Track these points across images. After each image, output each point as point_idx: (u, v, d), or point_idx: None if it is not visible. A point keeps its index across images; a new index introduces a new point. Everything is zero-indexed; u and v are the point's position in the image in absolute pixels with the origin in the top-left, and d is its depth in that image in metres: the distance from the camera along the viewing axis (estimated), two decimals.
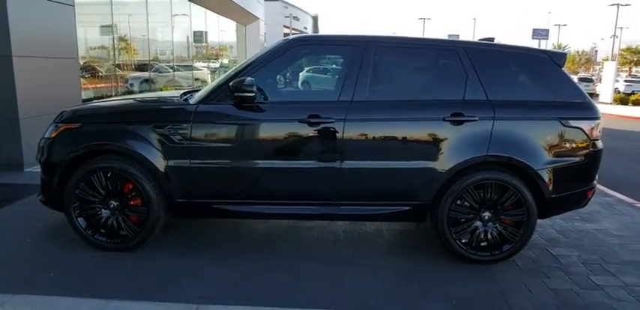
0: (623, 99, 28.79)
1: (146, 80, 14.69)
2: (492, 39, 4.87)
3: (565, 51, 4.64)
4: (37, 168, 7.21)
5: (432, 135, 4.19)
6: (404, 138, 4.20)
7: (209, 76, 21.05)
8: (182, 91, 5.10)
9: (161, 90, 14.49)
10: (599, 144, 4.38)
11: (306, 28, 65.89)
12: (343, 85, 4.29)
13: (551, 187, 4.19)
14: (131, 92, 13.14)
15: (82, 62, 10.31)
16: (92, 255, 4.29)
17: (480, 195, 4.21)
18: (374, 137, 4.21)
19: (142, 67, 14.68)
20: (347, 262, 4.32)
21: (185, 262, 4.22)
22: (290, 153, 4.27)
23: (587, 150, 4.29)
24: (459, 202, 4.22)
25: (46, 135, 4.47)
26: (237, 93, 4.07)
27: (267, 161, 4.24)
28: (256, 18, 27.34)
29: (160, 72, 16.05)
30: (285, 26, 54.56)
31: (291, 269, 4.13)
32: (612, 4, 37.36)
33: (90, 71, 11.45)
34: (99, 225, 4.33)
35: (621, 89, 33.92)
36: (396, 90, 4.49)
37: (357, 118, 4.18)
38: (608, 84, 30.57)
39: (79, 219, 4.32)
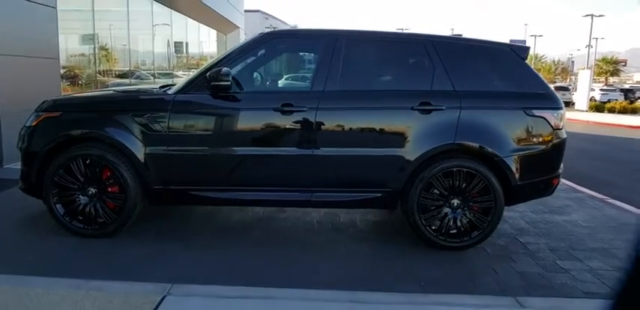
0: (598, 107, 29.44)
1: None
2: (460, 35, 5.05)
3: (528, 45, 4.80)
4: (17, 165, 7.27)
5: (401, 123, 4.34)
6: (374, 126, 4.35)
7: None
8: (160, 84, 5.21)
9: None
10: (563, 133, 4.54)
11: None
12: (315, 76, 4.43)
13: (517, 174, 4.34)
14: None
15: (63, 71, 10.33)
16: (70, 241, 4.35)
17: (448, 183, 4.34)
18: (345, 125, 4.35)
19: (122, 74, 14.77)
20: (320, 248, 4.44)
21: (160, 247, 4.31)
22: (264, 141, 4.38)
23: (550, 139, 4.45)
24: (428, 189, 4.35)
25: (27, 124, 4.55)
26: (213, 83, 4.19)
27: (242, 148, 4.35)
28: (236, 27, 27.54)
29: (141, 79, 16.10)
30: None
31: (265, 254, 4.23)
32: (586, 15, 38.22)
33: (71, 78, 11.50)
34: (77, 212, 4.40)
35: (597, 98, 34.56)
36: (366, 80, 4.63)
37: (329, 107, 4.31)
38: (583, 92, 31.08)
39: (57, 205, 4.39)
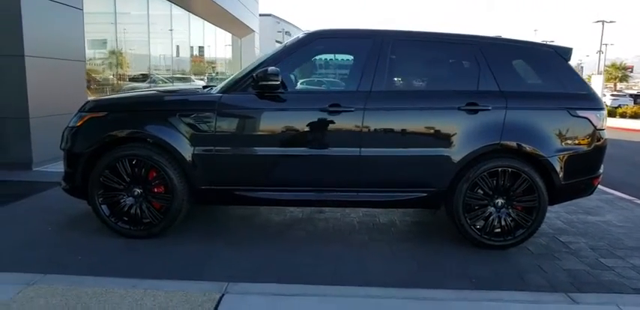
0: (610, 112, 29.39)
1: None
2: (500, 36, 5.07)
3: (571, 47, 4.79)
4: (46, 168, 7.36)
5: (447, 123, 4.35)
6: (421, 127, 4.36)
7: None
8: (203, 85, 5.23)
9: None
10: (604, 134, 4.54)
11: None
12: (362, 76, 4.43)
13: (561, 174, 4.36)
14: None
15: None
16: (116, 241, 4.37)
17: (493, 182, 4.35)
18: (392, 125, 4.35)
19: (141, 78, 14.90)
20: (365, 247, 4.45)
21: (207, 247, 4.33)
22: (311, 141, 4.38)
23: (593, 140, 4.46)
24: (473, 189, 4.36)
25: (70, 125, 4.55)
26: (262, 82, 4.20)
27: (288, 148, 4.36)
28: (252, 30, 27.63)
29: (157, 83, 16.24)
30: (277, 41, 54.93)
31: (312, 253, 4.25)
32: (597, 21, 38.15)
33: (89, 81, 11.60)
34: (122, 212, 4.42)
35: (608, 103, 34.55)
36: (413, 81, 4.66)
37: (376, 107, 4.32)
38: None
39: (102, 206, 4.40)
